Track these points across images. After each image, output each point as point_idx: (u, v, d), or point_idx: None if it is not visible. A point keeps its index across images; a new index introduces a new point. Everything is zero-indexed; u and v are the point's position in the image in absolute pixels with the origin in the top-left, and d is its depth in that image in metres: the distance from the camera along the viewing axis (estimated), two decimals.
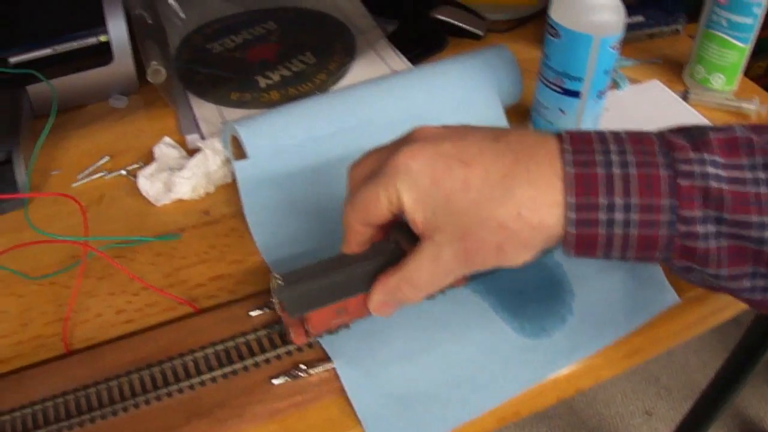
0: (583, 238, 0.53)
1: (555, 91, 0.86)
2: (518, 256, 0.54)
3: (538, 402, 0.69)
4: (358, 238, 0.61)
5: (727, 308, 0.79)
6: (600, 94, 0.86)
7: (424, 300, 0.65)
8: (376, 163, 0.58)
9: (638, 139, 0.54)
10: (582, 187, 0.52)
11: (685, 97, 1.01)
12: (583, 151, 0.53)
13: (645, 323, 0.73)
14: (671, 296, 0.74)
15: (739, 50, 0.98)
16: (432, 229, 0.55)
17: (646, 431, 2.02)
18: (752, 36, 0.97)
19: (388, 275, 0.59)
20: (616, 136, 0.54)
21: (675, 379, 2.14)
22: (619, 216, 0.52)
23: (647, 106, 1.01)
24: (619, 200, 0.51)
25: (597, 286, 0.73)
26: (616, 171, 0.52)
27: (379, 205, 0.56)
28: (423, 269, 0.57)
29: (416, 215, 0.55)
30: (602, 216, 0.52)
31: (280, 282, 0.61)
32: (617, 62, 0.86)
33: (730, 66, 0.99)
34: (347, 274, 0.62)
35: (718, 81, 1.01)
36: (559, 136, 0.54)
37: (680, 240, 0.52)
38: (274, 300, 0.64)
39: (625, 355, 0.73)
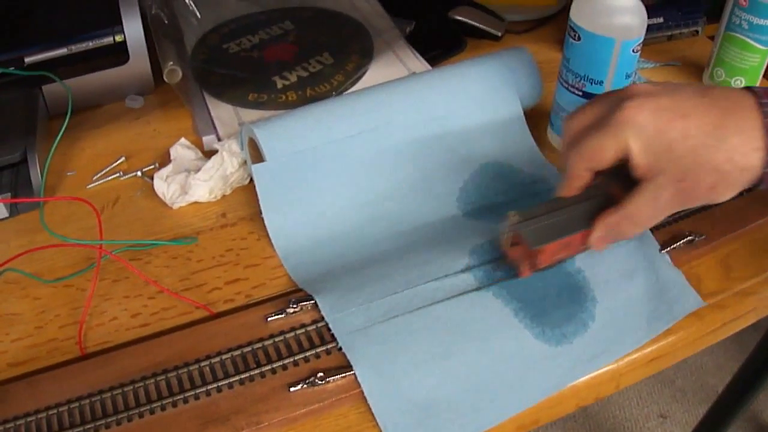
0: None
1: (575, 94, 0.85)
2: (725, 195, 0.63)
3: (558, 410, 0.69)
4: (579, 182, 0.68)
5: (750, 313, 0.78)
6: None
7: (445, 305, 0.69)
8: (598, 116, 0.65)
9: None
10: None
11: None
12: None
13: (667, 329, 0.73)
14: (695, 300, 0.74)
15: (760, 53, 0.97)
16: (655, 172, 0.62)
17: None
18: None
19: (610, 213, 0.66)
20: None
21: (690, 381, 2.12)
22: None
23: None
24: None
25: (619, 291, 0.73)
26: None
27: (607, 152, 0.63)
28: (644, 207, 0.64)
29: (642, 160, 0.62)
30: None
31: (517, 218, 0.68)
32: (637, 64, 0.85)
33: (750, 69, 0.99)
34: (571, 213, 0.69)
35: (738, 84, 1.00)
36: (754, 92, 0.62)
37: None
38: (504, 236, 0.71)
39: (647, 361, 0.72)
